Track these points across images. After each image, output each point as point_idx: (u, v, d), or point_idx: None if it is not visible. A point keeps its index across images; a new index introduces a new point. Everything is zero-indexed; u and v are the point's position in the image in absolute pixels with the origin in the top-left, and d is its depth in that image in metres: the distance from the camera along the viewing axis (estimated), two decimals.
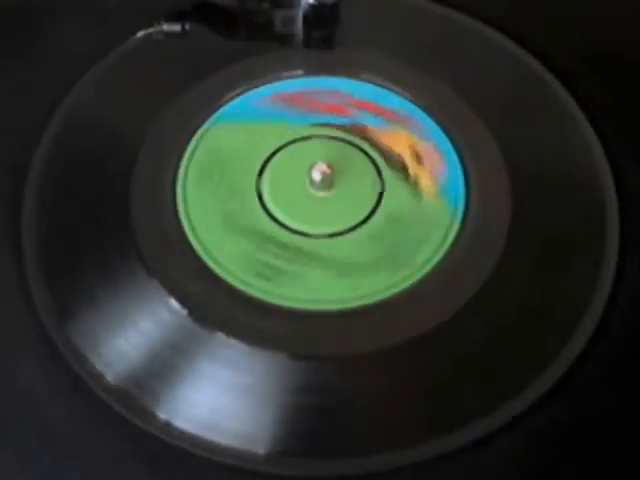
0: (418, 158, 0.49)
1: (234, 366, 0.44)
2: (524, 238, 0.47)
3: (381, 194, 0.48)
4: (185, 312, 0.45)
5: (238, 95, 0.51)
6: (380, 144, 0.49)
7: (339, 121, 0.50)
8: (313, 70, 0.52)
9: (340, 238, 0.47)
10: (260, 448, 0.42)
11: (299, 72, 0.52)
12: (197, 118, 0.50)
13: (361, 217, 0.47)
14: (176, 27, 0.52)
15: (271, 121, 0.50)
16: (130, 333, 0.45)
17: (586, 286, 0.46)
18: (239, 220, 0.47)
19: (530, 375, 0.44)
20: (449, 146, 0.49)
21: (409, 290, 0.45)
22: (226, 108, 0.51)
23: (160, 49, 0.52)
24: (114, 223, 0.47)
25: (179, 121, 0.50)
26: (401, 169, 0.49)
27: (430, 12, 0.54)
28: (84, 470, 0.42)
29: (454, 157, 0.49)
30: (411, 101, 0.51)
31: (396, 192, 0.48)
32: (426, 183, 0.48)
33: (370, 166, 0.49)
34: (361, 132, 0.50)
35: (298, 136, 0.50)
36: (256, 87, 0.51)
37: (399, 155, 0.49)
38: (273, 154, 0.49)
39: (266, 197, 0.48)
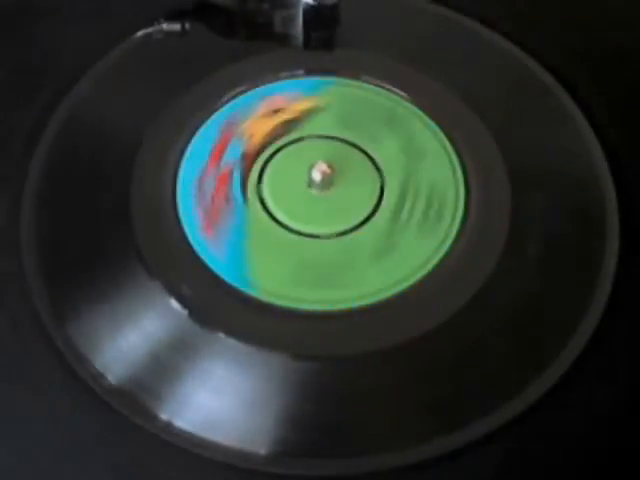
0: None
1: (234, 366, 0.44)
2: (524, 238, 0.47)
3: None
4: (185, 312, 0.45)
5: (238, 95, 0.51)
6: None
7: None
8: (313, 70, 0.52)
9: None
10: (261, 448, 0.43)
11: (299, 72, 0.52)
12: (197, 118, 0.50)
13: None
14: (176, 26, 0.52)
15: None
16: (130, 333, 0.45)
17: (586, 286, 0.46)
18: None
19: (530, 375, 0.44)
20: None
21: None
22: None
23: (160, 48, 0.52)
24: (114, 223, 0.47)
25: (179, 121, 0.50)
26: None
27: (430, 12, 0.54)
28: (84, 470, 0.42)
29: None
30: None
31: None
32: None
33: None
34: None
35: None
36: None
37: None
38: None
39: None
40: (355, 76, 0.52)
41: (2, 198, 0.49)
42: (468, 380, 0.44)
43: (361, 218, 0.47)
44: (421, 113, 0.50)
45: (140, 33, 0.52)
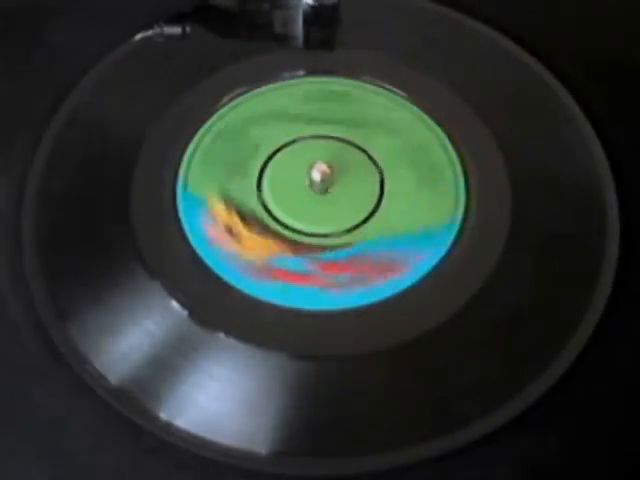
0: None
1: (234, 366, 0.44)
2: (524, 238, 0.47)
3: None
4: (186, 313, 0.45)
5: (238, 95, 0.51)
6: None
7: None
8: (313, 71, 0.52)
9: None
10: (261, 448, 0.43)
11: (299, 72, 0.52)
12: (197, 119, 0.50)
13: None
14: (176, 29, 0.52)
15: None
16: (131, 333, 0.45)
17: (586, 286, 0.46)
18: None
19: (530, 375, 0.44)
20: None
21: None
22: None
23: (160, 50, 0.52)
24: (114, 223, 0.47)
25: (179, 122, 0.50)
26: None
27: (430, 12, 0.54)
28: (84, 470, 0.42)
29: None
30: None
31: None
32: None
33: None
34: None
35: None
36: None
37: None
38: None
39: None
40: (355, 76, 0.52)
41: (3, 198, 0.49)
42: (468, 380, 0.44)
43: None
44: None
45: (140, 36, 0.53)
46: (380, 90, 0.51)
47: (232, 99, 0.51)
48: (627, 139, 0.50)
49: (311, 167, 0.48)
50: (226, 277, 0.46)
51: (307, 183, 0.48)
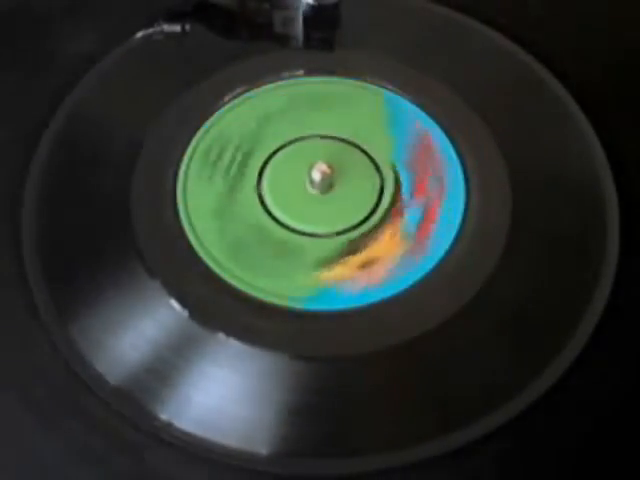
0: None
1: (234, 366, 0.44)
2: (524, 238, 0.47)
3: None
4: (186, 313, 0.45)
5: (238, 95, 0.51)
6: None
7: None
8: (313, 71, 0.52)
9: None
10: (261, 448, 0.43)
11: (299, 72, 0.52)
12: (197, 118, 0.50)
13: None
14: (176, 27, 0.52)
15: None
16: (131, 334, 0.45)
17: (586, 286, 0.46)
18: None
19: (530, 375, 0.44)
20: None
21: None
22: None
23: (160, 49, 0.52)
24: (114, 223, 0.47)
25: (179, 121, 0.50)
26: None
27: (430, 12, 0.54)
28: (84, 470, 0.42)
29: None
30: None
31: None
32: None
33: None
34: None
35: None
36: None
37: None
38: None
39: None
40: (355, 76, 0.52)
41: (3, 198, 0.49)
42: (468, 380, 0.44)
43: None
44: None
45: (140, 34, 0.52)
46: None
47: (232, 99, 0.51)
48: (627, 139, 0.50)
49: (311, 167, 0.48)
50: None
51: (307, 183, 0.48)
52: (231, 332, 0.44)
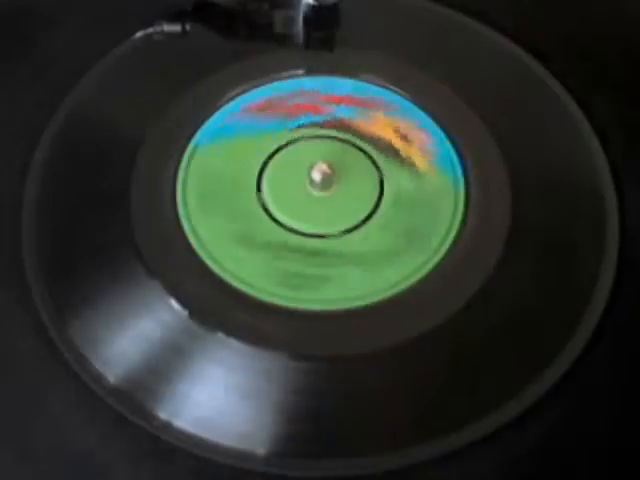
0: (406, 139, 0.49)
1: (234, 366, 0.44)
2: (524, 238, 0.47)
3: (382, 187, 0.48)
4: (185, 312, 0.45)
5: (238, 95, 0.51)
6: (365, 133, 0.49)
7: (317, 119, 0.50)
8: (313, 71, 0.52)
9: (341, 237, 0.47)
10: (260, 448, 0.43)
11: (299, 72, 0.52)
12: (197, 118, 0.50)
13: (361, 216, 0.47)
14: (176, 27, 0.52)
15: (249, 134, 0.50)
16: (130, 333, 0.45)
17: (586, 286, 0.46)
18: (240, 220, 0.47)
19: (530, 375, 0.44)
20: (449, 146, 0.49)
21: (409, 290, 0.45)
22: (224, 109, 0.51)
23: (160, 49, 0.52)
24: (114, 223, 0.47)
25: (179, 121, 0.50)
26: (393, 153, 0.49)
27: (430, 12, 0.54)
28: (84, 470, 0.42)
29: (454, 157, 0.49)
30: (411, 101, 0.51)
31: (396, 179, 0.48)
32: (420, 160, 0.48)
33: (368, 162, 0.49)
34: (342, 125, 0.50)
35: (283, 142, 0.50)
36: (256, 87, 0.51)
37: (387, 140, 0.49)
38: (272, 155, 0.49)
39: (267, 198, 0.48)
40: (355, 76, 0.52)
41: (3, 198, 0.49)
42: (468, 380, 0.44)
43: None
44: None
45: (140, 34, 0.52)
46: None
47: (232, 99, 0.51)
48: (627, 139, 0.50)
49: (311, 167, 0.48)
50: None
51: (307, 183, 0.48)
52: (231, 332, 0.44)
